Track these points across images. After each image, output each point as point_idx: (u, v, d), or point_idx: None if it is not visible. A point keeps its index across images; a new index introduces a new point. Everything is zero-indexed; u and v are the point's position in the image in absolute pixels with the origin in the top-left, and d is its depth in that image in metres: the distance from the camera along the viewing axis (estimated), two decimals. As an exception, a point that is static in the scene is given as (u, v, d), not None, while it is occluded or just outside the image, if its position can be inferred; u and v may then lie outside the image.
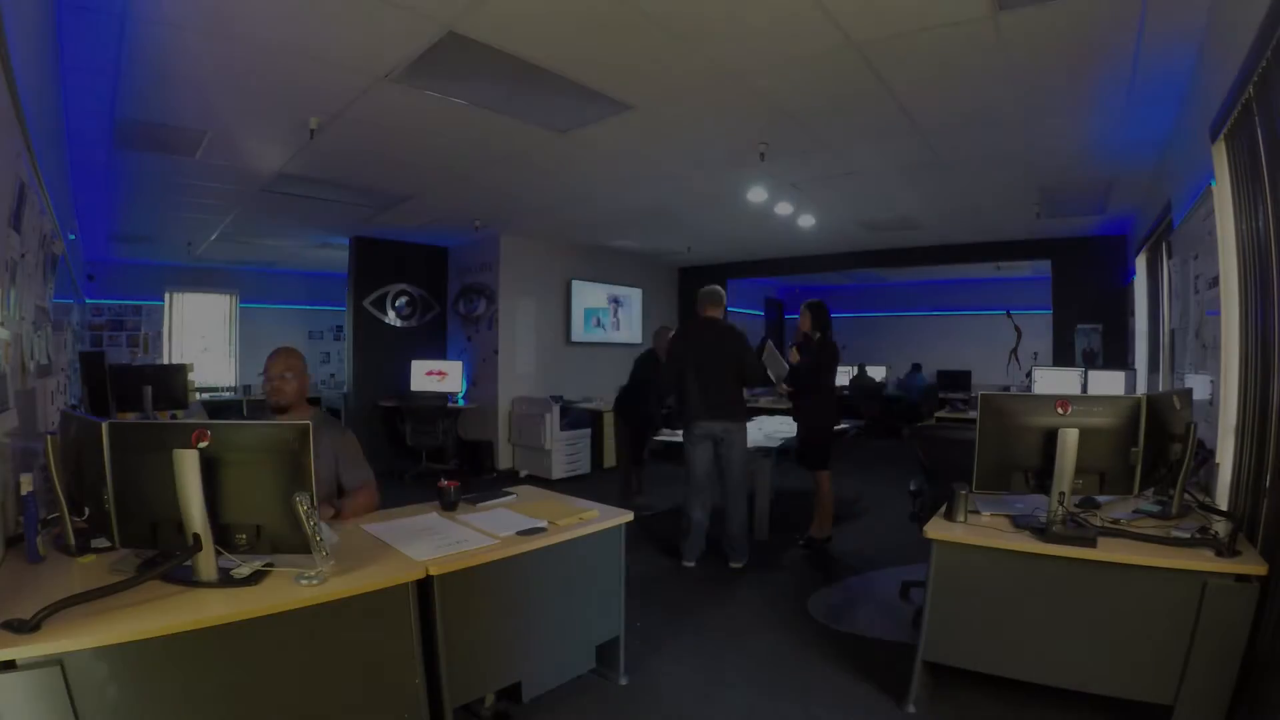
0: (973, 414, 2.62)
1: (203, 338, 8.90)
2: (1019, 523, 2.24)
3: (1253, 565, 1.82)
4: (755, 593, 3.65)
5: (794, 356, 4.41)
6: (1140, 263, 5.31)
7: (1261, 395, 2.01)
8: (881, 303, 11.85)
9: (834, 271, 9.16)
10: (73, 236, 4.72)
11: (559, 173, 4.72)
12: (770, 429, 5.43)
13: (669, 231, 7.17)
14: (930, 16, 2.52)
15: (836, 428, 4.75)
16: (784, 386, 4.53)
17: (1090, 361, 6.54)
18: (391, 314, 7.61)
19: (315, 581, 1.66)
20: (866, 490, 6.27)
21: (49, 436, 1.82)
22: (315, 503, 1.63)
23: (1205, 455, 2.53)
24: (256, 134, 3.82)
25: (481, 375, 7.50)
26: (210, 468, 1.59)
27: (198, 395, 7.39)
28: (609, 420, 7.40)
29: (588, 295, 8.26)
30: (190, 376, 5.23)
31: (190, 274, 8.49)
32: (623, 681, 2.57)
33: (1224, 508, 2.24)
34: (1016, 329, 9.79)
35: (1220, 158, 2.35)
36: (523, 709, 2.35)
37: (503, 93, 3.28)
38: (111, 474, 1.59)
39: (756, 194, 5.22)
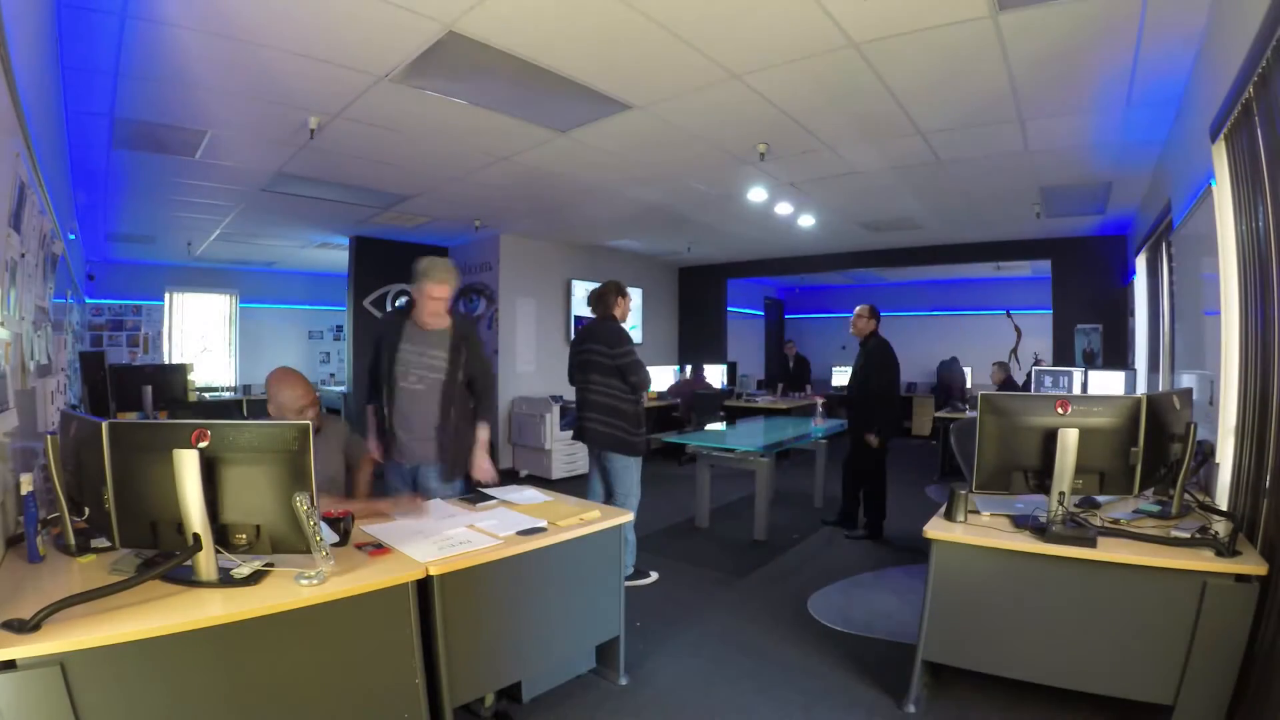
0: (971, 414, 2.62)
1: (203, 337, 8.90)
2: (1019, 523, 2.24)
3: (1253, 565, 1.82)
4: (755, 593, 3.65)
5: None
6: (1140, 263, 5.31)
7: (1261, 395, 2.02)
8: (881, 303, 11.72)
9: (834, 271, 9.16)
10: (73, 236, 4.72)
11: (559, 173, 4.72)
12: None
13: (669, 231, 7.16)
14: (930, 16, 2.52)
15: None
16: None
17: (1090, 361, 6.55)
18: (392, 314, 7.60)
19: (315, 581, 1.66)
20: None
21: (49, 436, 1.81)
22: (315, 502, 1.63)
23: (1205, 455, 2.53)
24: (256, 134, 3.82)
25: (481, 375, 7.49)
26: (210, 468, 1.59)
27: (196, 395, 7.39)
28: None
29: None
30: (190, 377, 5.24)
31: (190, 274, 8.48)
32: (623, 681, 2.57)
33: (1224, 508, 2.24)
34: (1016, 329, 9.80)
35: (1220, 158, 2.35)
36: (523, 709, 2.35)
37: (503, 93, 3.28)
38: (111, 474, 1.58)
39: (756, 194, 5.23)
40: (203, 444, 1.58)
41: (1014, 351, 9.77)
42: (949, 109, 3.49)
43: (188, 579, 1.61)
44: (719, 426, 6.39)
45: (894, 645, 2.89)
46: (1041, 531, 2.11)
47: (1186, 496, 2.28)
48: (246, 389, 8.86)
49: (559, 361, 7.88)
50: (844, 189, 5.15)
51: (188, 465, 1.55)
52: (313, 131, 3.62)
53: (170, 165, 4.28)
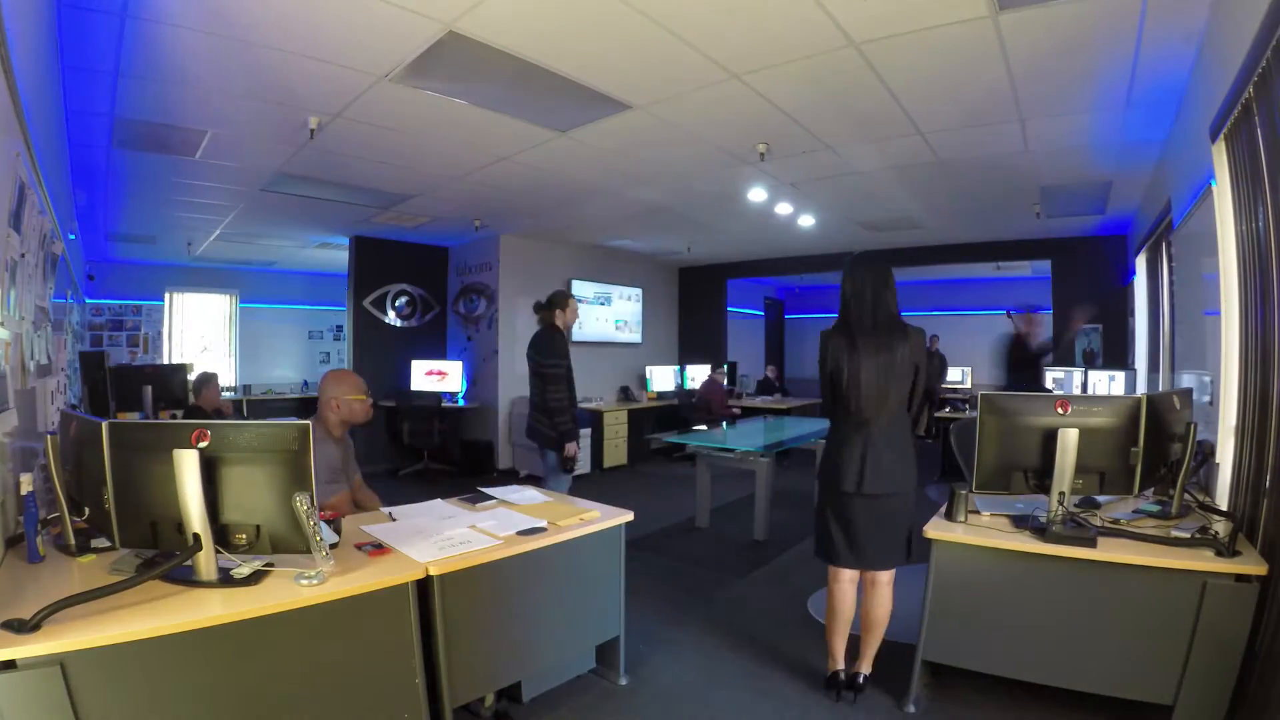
0: (971, 414, 2.62)
1: (202, 337, 8.89)
2: (1019, 523, 2.24)
3: (1253, 565, 1.82)
4: (755, 593, 3.65)
5: None
6: (1140, 263, 5.31)
7: (1261, 395, 2.01)
8: (881, 303, 11.82)
9: (834, 271, 9.14)
10: (73, 236, 4.72)
11: (559, 173, 4.72)
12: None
13: (669, 231, 7.16)
14: (930, 16, 2.52)
15: None
16: None
17: (1090, 361, 6.55)
18: (391, 314, 7.61)
19: (315, 581, 1.66)
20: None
21: (49, 436, 1.81)
22: (315, 502, 1.63)
23: (1205, 455, 2.53)
24: (256, 134, 3.82)
25: (482, 375, 7.50)
26: (210, 468, 1.59)
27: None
28: (609, 420, 7.40)
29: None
30: (190, 377, 5.24)
31: (190, 274, 8.48)
32: (623, 681, 2.57)
33: (1224, 508, 2.24)
34: (1016, 329, 9.78)
35: (1220, 158, 2.35)
36: (523, 709, 2.35)
37: (503, 93, 3.28)
38: (111, 474, 1.58)
39: (756, 194, 5.23)
40: (203, 444, 1.59)
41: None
42: (949, 109, 3.49)
43: (188, 579, 1.61)
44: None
45: (894, 645, 2.88)
46: (1041, 531, 2.11)
47: (1186, 496, 2.28)
48: (246, 389, 8.86)
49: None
50: (844, 189, 5.15)
51: (188, 465, 1.55)
52: (313, 131, 3.62)
53: (170, 165, 4.28)
